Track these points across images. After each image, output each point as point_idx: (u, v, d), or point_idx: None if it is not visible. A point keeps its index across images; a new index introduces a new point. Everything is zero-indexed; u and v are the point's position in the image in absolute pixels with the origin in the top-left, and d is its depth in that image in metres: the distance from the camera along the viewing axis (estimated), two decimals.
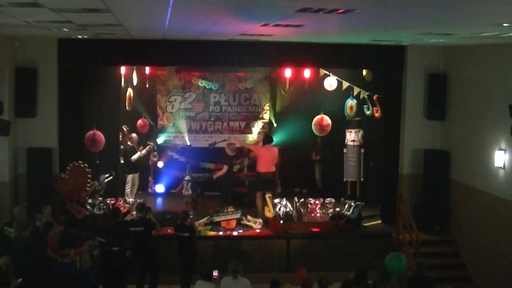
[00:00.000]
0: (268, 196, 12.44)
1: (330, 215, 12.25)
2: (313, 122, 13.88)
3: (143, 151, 13.47)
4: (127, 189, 13.33)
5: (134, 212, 10.52)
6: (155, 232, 10.33)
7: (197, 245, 10.26)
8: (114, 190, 13.21)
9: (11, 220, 9.47)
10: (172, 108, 15.01)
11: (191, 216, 10.48)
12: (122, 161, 13.67)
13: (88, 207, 11.67)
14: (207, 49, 11.63)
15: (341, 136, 14.06)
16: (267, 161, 12.18)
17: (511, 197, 9.79)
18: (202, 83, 14.94)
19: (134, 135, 13.61)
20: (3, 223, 9.61)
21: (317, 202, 12.38)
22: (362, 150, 13.79)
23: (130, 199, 12.52)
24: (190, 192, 13.78)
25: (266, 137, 12.68)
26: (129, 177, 13.37)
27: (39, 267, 8.57)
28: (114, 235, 9.55)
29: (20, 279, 7.73)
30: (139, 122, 14.41)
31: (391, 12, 6.12)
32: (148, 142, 13.84)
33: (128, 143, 13.46)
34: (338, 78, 13.49)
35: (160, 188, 14.65)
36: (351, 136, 13.81)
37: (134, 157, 13.29)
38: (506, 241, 9.91)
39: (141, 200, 11.90)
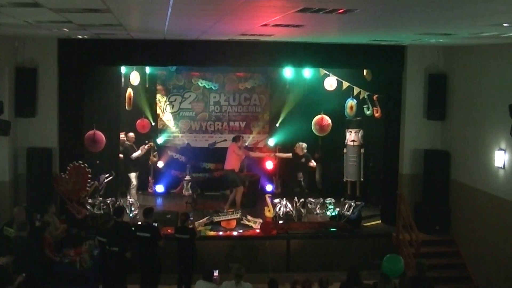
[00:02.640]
0: (267, 196, 12.48)
1: (330, 215, 12.24)
2: (313, 122, 13.89)
3: (143, 149, 13.44)
4: (132, 189, 13.30)
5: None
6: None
7: (197, 246, 10.22)
8: (114, 190, 13.21)
9: (11, 220, 9.47)
10: (172, 108, 15.02)
11: (191, 218, 10.41)
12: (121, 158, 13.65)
13: (88, 207, 11.66)
14: (207, 49, 11.63)
15: (341, 136, 14.06)
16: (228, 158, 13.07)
17: (511, 197, 9.79)
18: (202, 83, 14.94)
19: (131, 134, 13.58)
20: (3, 223, 9.62)
21: (317, 202, 12.36)
22: (362, 150, 13.80)
23: (132, 199, 12.51)
24: (190, 192, 13.77)
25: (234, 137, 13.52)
26: (132, 175, 13.35)
27: (38, 267, 8.57)
28: (115, 235, 9.52)
29: (24, 274, 7.73)
30: (139, 122, 14.40)
31: (391, 12, 6.12)
32: (147, 142, 13.80)
33: (126, 142, 13.45)
34: (338, 78, 13.49)
35: (160, 188, 14.65)
36: (351, 136, 13.81)
37: (134, 155, 13.27)
38: (506, 241, 9.91)
39: (121, 203, 11.77)
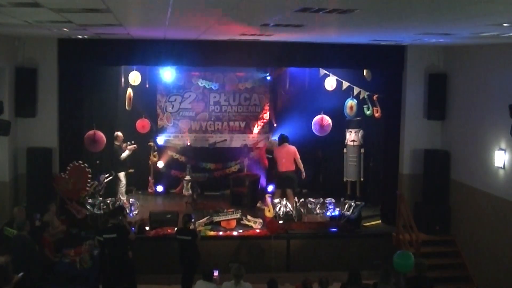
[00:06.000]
0: (268, 196, 12.48)
1: (330, 215, 12.24)
2: (313, 122, 13.89)
3: (130, 149, 13.40)
4: (122, 188, 13.29)
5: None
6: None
7: (198, 247, 10.19)
8: (114, 190, 13.20)
9: (11, 220, 9.47)
10: (172, 108, 15.01)
11: (193, 220, 10.39)
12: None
13: (88, 207, 11.66)
14: (207, 49, 11.64)
15: (341, 136, 14.06)
16: (284, 160, 12.72)
17: (511, 197, 9.79)
18: (202, 83, 14.93)
19: (119, 133, 13.49)
20: (3, 223, 9.62)
21: (317, 202, 12.37)
22: (362, 150, 13.80)
23: (123, 198, 12.51)
24: (190, 192, 13.77)
25: (281, 137, 13.15)
26: (121, 175, 13.32)
27: (38, 267, 8.57)
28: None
29: (21, 273, 7.73)
30: (139, 122, 14.39)
31: (391, 12, 6.12)
32: (132, 142, 13.72)
33: (115, 142, 13.40)
34: (338, 78, 13.50)
35: (160, 188, 14.64)
36: (351, 136, 13.81)
37: (123, 155, 13.25)
38: (506, 241, 9.91)
39: (120, 203, 11.76)
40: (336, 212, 12.17)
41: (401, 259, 7.98)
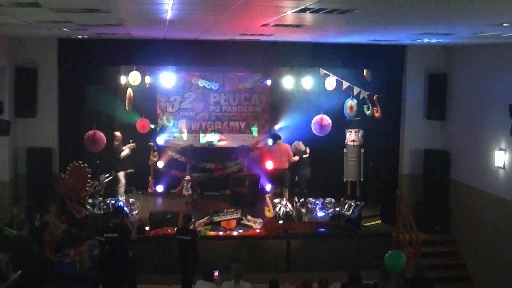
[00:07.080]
0: (268, 196, 12.48)
1: (330, 215, 12.25)
2: (313, 122, 13.90)
3: (130, 148, 13.46)
4: (121, 188, 13.31)
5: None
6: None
7: (198, 247, 10.19)
8: (114, 190, 13.22)
9: (11, 220, 9.46)
10: (172, 108, 15.02)
11: (193, 220, 10.38)
12: None
13: (88, 207, 11.66)
14: (207, 49, 11.65)
15: (341, 136, 14.06)
16: (277, 158, 13.10)
17: (511, 197, 9.79)
18: (202, 83, 14.93)
19: (117, 133, 13.54)
20: (3, 223, 9.62)
21: (317, 202, 12.37)
22: (362, 150, 13.81)
23: (122, 198, 12.53)
24: (190, 192, 13.77)
25: (273, 136, 13.53)
26: (121, 174, 13.35)
27: (37, 267, 8.57)
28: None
29: (19, 272, 7.73)
30: (139, 122, 14.39)
31: (391, 12, 6.12)
32: (131, 141, 13.74)
33: (115, 142, 13.44)
34: (338, 78, 13.50)
35: (160, 188, 14.65)
36: (351, 136, 13.81)
37: (123, 154, 13.28)
38: (506, 241, 9.91)
39: (120, 204, 11.80)
40: (322, 213, 12.20)
41: (392, 259, 7.93)
